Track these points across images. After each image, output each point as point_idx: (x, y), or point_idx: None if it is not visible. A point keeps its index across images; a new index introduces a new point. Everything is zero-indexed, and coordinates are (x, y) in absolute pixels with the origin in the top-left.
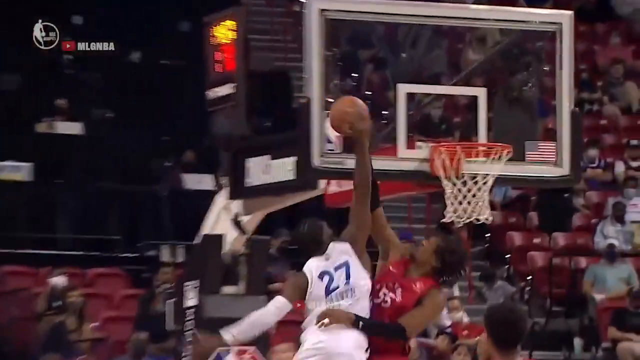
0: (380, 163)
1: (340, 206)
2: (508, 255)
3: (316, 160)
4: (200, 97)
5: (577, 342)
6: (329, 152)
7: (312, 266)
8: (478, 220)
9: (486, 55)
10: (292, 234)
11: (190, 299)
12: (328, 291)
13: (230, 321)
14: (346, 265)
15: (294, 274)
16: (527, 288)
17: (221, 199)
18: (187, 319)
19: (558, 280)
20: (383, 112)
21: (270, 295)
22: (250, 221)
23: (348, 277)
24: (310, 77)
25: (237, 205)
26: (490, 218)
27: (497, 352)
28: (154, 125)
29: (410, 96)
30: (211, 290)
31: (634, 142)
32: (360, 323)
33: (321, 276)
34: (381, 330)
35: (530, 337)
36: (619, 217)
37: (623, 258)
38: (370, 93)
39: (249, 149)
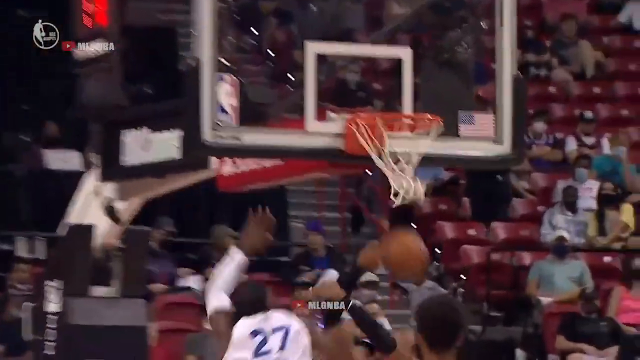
0: (283, 138)
1: (236, 190)
2: (438, 250)
3: (207, 135)
4: (65, 58)
5: (520, 353)
6: (223, 124)
7: (244, 326)
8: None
9: (413, 8)
10: (232, 296)
11: (53, 303)
12: (257, 353)
13: (101, 329)
14: (285, 331)
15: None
16: (460, 289)
17: (91, 181)
18: (49, 326)
19: (497, 280)
20: (288, 75)
21: (151, 298)
22: (127, 208)
23: (284, 345)
24: (201, 33)
25: (110, 189)
26: (420, 202)
27: (430, 353)
28: (8, 91)
29: (322, 57)
30: (78, 292)
31: (588, 114)
32: (351, 305)
33: (254, 334)
34: (371, 326)
35: (464, 348)
36: (570, 204)
37: (574, 253)
38: (273, 53)
39: (125, 120)
